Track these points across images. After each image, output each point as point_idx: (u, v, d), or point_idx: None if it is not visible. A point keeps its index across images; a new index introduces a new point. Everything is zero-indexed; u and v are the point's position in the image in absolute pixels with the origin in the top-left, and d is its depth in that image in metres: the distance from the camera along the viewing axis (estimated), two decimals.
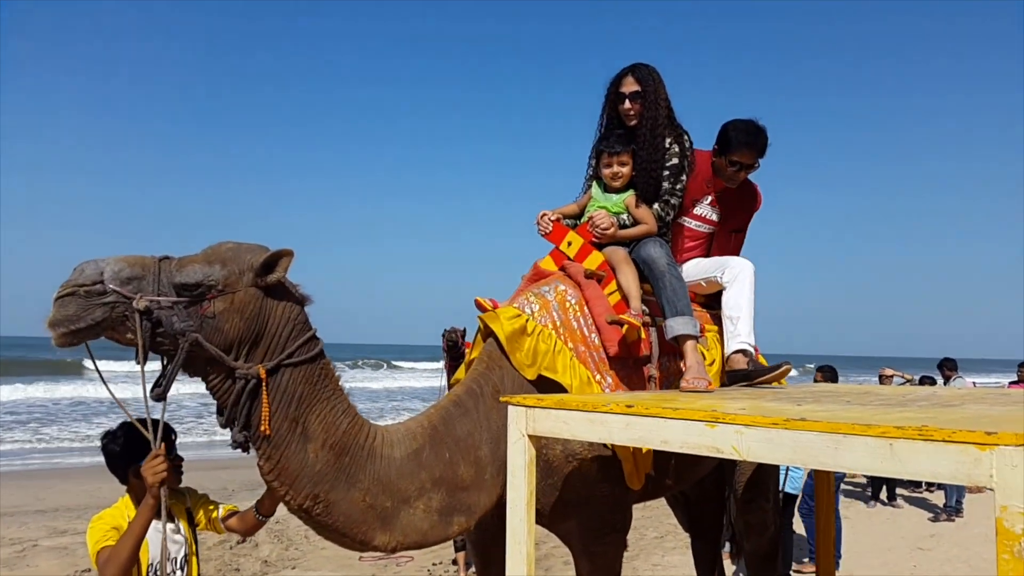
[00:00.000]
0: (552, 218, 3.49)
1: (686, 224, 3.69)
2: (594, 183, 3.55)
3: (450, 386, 6.64)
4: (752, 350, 3.39)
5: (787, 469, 6.67)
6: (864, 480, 11.40)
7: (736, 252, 3.81)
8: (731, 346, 3.37)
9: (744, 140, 3.58)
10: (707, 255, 3.74)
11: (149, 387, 2.49)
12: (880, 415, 1.99)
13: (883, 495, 10.91)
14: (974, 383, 12.67)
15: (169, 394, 2.52)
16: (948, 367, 11.00)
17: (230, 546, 7.22)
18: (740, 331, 3.37)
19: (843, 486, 10.62)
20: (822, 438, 1.81)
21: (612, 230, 3.35)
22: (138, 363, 2.42)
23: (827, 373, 7.67)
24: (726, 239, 3.81)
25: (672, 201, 3.49)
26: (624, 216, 3.42)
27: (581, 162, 3.72)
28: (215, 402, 2.60)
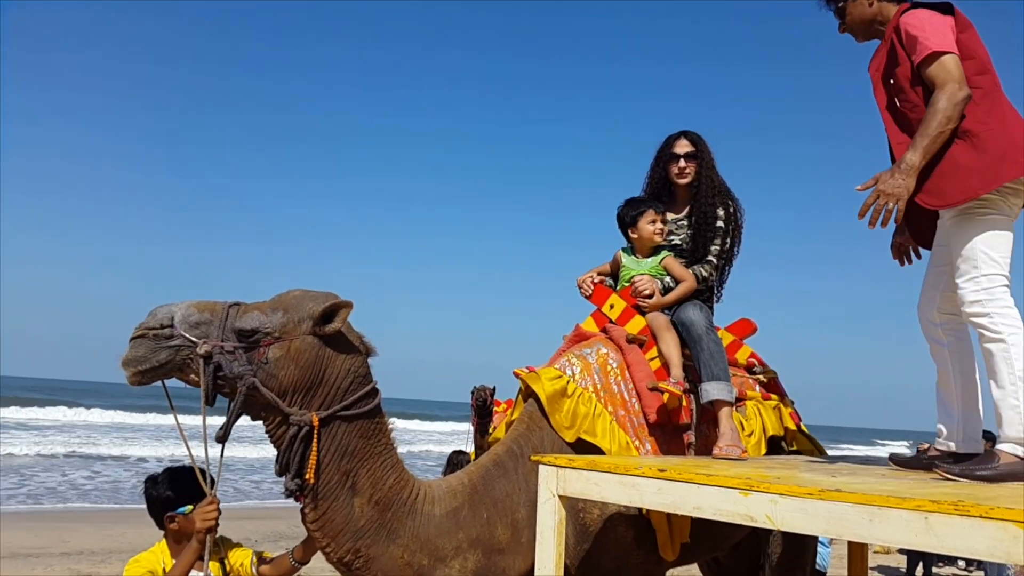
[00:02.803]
0: (595, 280, 3.55)
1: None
2: (621, 251, 3.60)
3: (478, 446, 6.63)
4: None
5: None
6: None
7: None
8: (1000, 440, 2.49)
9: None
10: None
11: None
12: (916, 488, 1.99)
13: (919, 572, 10.54)
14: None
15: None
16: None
17: None
18: (1004, 428, 2.46)
19: (875, 562, 10.27)
20: (857, 510, 1.82)
21: (656, 298, 3.37)
22: (207, 404, 2.53)
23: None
24: (903, 101, 2.71)
25: (716, 262, 3.51)
26: (668, 279, 3.45)
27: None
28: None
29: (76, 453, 20.27)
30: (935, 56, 2.55)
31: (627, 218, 3.56)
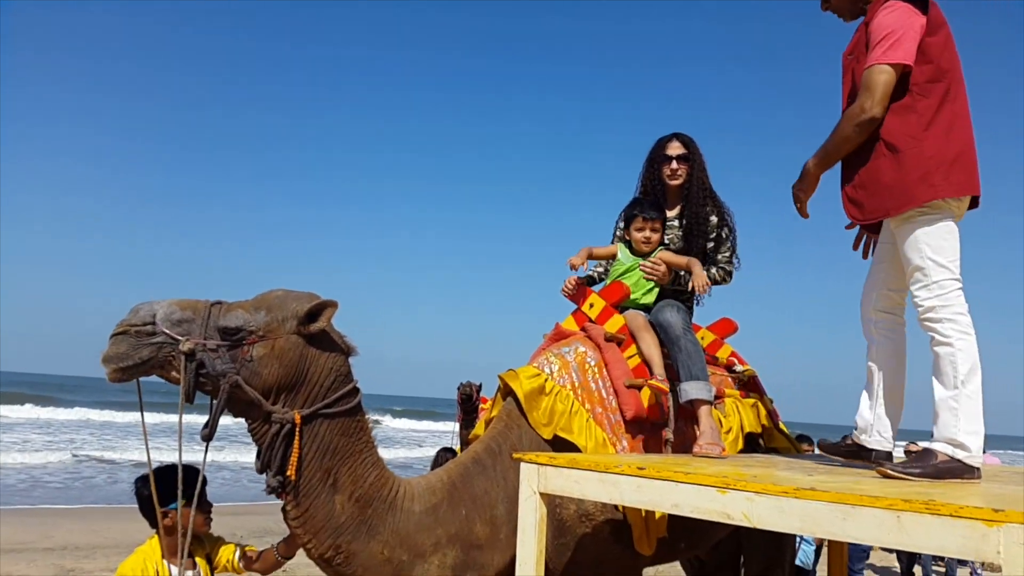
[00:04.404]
0: (579, 280, 3.58)
1: None
2: (620, 245, 3.65)
3: (463, 441, 6.66)
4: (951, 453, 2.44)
5: (799, 542, 6.58)
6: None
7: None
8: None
9: None
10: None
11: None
12: (889, 487, 2.02)
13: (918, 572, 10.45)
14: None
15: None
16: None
17: None
18: (939, 428, 2.50)
19: (871, 564, 10.21)
20: (831, 508, 1.85)
21: (664, 267, 3.48)
22: (187, 402, 2.53)
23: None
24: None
25: (728, 269, 3.63)
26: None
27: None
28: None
29: (58, 450, 20.12)
30: (876, 66, 2.55)
31: (625, 217, 3.65)
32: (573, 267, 3.48)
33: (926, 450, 2.49)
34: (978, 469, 2.44)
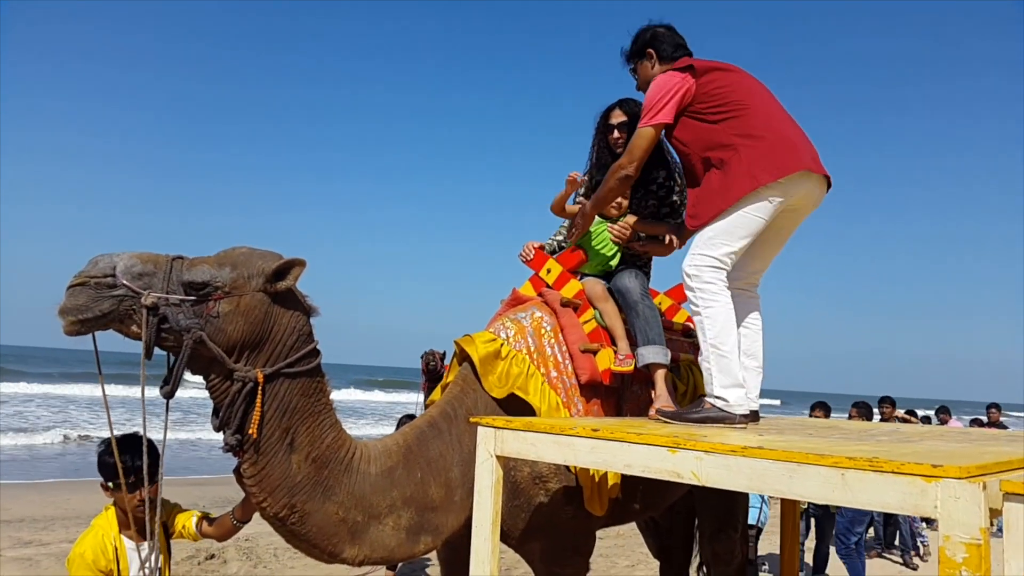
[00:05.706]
0: (535, 246, 3.60)
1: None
2: None
3: (427, 408, 6.71)
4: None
5: (762, 504, 6.73)
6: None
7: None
8: None
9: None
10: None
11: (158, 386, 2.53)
12: (836, 447, 2.06)
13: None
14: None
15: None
16: (944, 413, 11.41)
17: (198, 562, 7.13)
18: (705, 384, 2.94)
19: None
20: (777, 466, 1.88)
21: (629, 232, 3.51)
22: (146, 358, 2.45)
23: (824, 409, 7.83)
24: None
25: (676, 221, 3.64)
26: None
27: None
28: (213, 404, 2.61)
29: (9, 424, 19.70)
30: (639, 130, 3.00)
31: (594, 183, 3.62)
32: (526, 259, 3.58)
33: (699, 399, 2.90)
34: (739, 416, 2.77)
